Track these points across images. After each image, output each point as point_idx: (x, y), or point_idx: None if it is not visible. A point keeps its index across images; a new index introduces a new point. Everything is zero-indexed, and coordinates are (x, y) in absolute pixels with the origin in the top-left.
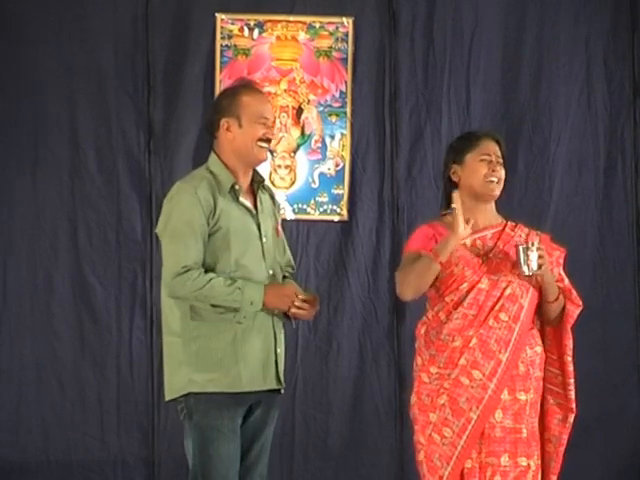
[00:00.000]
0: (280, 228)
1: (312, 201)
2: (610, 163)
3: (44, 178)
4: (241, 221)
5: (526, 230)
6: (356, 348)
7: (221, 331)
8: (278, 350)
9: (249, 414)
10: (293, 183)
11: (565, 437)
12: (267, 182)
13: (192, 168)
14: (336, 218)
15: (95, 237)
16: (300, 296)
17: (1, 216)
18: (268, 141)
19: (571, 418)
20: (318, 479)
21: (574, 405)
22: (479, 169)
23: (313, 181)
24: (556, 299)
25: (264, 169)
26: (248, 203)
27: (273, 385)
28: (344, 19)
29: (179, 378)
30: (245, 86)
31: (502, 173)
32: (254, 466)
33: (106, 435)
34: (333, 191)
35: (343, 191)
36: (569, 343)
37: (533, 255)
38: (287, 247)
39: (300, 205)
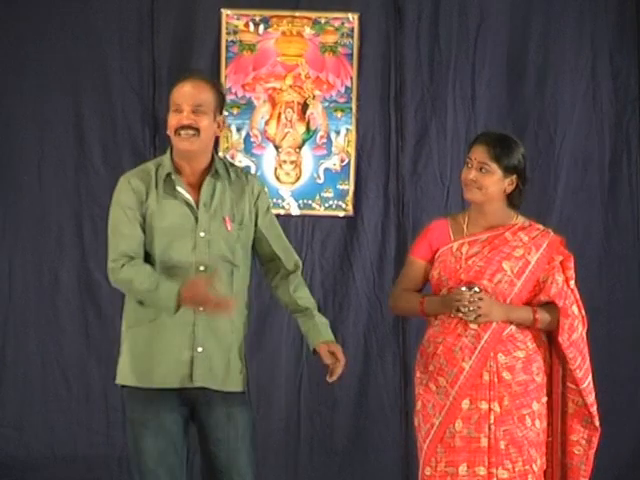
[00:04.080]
0: (229, 222)
1: (317, 197)
2: (615, 159)
3: (49, 174)
4: (172, 213)
5: (535, 233)
6: (361, 344)
7: (142, 324)
8: (199, 349)
9: (195, 413)
10: (298, 179)
11: (595, 440)
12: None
13: None
14: (341, 214)
15: (100, 233)
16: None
17: (7, 212)
18: (184, 128)
19: (596, 422)
20: (323, 474)
21: (594, 409)
22: (462, 175)
23: (318, 177)
24: (533, 325)
25: (270, 164)
26: (187, 195)
27: (187, 384)
28: (350, 15)
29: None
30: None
31: (482, 177)
32: (229, 468)
33: (111, 430)
34: (338, 187)
35: (348, 187)
36: (568, 353)
37: (474, 303)
38: (285, 246)
39: (305, 201)
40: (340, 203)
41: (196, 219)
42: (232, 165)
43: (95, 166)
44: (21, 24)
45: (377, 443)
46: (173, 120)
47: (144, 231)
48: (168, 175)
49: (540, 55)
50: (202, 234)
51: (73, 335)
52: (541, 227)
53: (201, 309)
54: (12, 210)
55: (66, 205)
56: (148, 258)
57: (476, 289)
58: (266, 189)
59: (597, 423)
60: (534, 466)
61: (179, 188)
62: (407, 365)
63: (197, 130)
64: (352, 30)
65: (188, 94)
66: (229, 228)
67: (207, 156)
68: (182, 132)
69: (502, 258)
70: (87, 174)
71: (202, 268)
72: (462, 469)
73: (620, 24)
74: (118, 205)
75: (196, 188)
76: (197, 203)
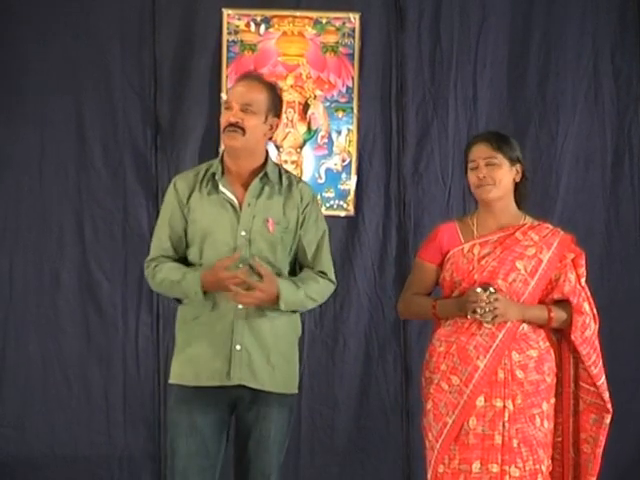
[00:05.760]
0: (272, 224)
1: (318, 197)
2: (617, 159)
3: (50, 174)
4: (214, 213)
5: (545, 232)
6: (362, 343)
7: (186, 323)
8: (237, 347)
9: (236, 410)
10: None
11: (602, 438)
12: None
13: (198, 164)
14: (342, 214)
15: (101, 233)
16: (236, 279)
17: (8, 212)
18: (231, 125)
19: (607, 419)
20: (324, 474)
21: (610, 405)
22: (471, 179)
23: (319, 176)
24: (547, 323)
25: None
26: (229, 194)
27: (225, 381)
28: (351, 15)
29: None
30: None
31: (492, 172)
32: (253, 464)
33: (112, 430)
34: (339, 186)
35: (349, 187)
36: (582, 350)
37: (490, 304)
38: (322, 258)
39: None
40: (341, 203)
41: (238, 219)
42: (286, 172)
43: (96, 166)
44: (22, 24)
45: (378, 443)
46: (223, 118)
47: (185, 232)
48: (213, 175)
49: (541, 55)
50: (243, 233)
51: (73, 335)
52: (550, 226)
53: (240, 307)
54: (13, 210)
55: (67, 205)
56: (189, 258)
57: (491, 289)
58: (318, 199)
59: (607, 420)
60: (542, 466)
61: (222, 188)
62: (408, 365)
63: (242, 129)
64: (353, 30)
65: (238, 93)
66: (271, 229)
67: (256, 157)
68: (228, 129)
69: (515, 257)
70: (88, 174)
71: (241, 266)
72: (475, 466)
73: (621, 23)
74: (163, 206)
75: (244, 188)
76: (241, 204)
